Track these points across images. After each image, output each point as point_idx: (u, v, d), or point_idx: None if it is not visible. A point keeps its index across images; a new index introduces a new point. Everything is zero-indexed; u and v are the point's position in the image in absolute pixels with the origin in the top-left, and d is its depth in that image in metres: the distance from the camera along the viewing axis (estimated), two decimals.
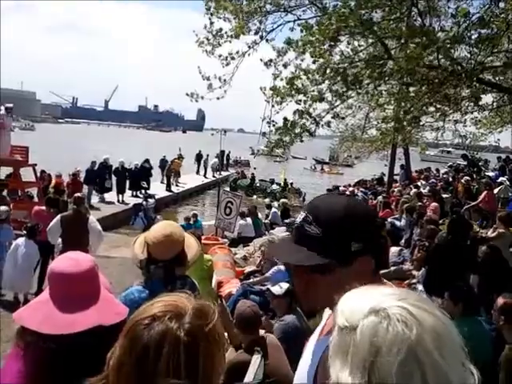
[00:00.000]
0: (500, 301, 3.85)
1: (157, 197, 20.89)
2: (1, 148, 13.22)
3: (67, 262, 1.64)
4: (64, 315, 1.52)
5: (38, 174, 15.53)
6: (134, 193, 20.38)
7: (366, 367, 0.79)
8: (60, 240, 7.56)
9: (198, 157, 31.58)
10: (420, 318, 0.81)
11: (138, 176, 20.44)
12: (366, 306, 0.84)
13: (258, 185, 28.04)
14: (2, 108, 13.60)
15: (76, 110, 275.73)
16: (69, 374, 1.39)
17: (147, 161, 21.48)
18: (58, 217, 7.67)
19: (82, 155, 28.06)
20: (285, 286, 4.73)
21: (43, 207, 8.78)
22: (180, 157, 27.96)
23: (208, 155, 31.95)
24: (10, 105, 14.25)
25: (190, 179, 28.79)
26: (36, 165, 15.66)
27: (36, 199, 13.57)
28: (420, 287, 6.45)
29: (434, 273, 5.97)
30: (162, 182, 24.84)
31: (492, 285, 5.11)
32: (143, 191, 19.82)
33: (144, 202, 12.92)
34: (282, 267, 7.03)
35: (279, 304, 4.75)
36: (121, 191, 19.45)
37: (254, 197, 26.01)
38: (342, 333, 0.84)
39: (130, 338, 1.02)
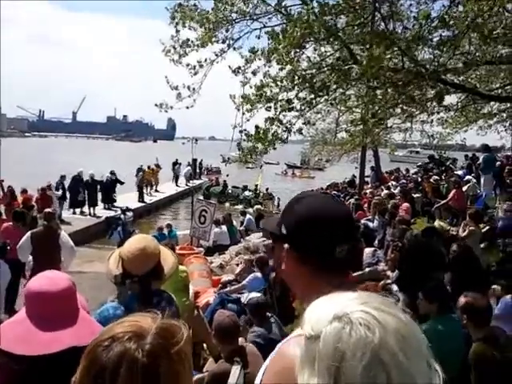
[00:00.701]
0: (462, 300, 3.91)
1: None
2: None
3: (44, 281, 1.63)
4: (40, 336, 1.50)
5: (6, 190, 15.16)
6: (107, 206, 20.10)
7: (332, 373, 0.79)
8: (31, 257, 7.34)
9: (175, 165, 31.58)
10: (383, 321, 0.82)
11: (110, 188, 20.17)
12: (331, 312, 0.85)
13: (230, 192, 28.07)
14: None
15: (43, 123, 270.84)
16: None
17: (112, 173, 20.86)
18: (29, 233, 7.48)
19: (49, 169, 27.56)
20: (256, 295, 4.74)
21: (10, 223, 8.56)
22: (157, 166, 28.08)
23: (180, 164, 31.88)
24: None
25: (166, 188, 28.81)
26: (3, 180, 15.30)
27: (4, 216, 13.19)
28: (395, 287, 6.54)
29: (407, 273, 6.06)
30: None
31: (464, 282, 5.21)
32: (115, 204, 19.57)
33: (122, 216, 12.60)
34: (259, 274, 7.04)
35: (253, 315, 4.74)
36: (93, 204, 19.12)
37: (227, 204, 25.98)
38: (309, 341, 0.85)
39: (89, 360, 1.00)
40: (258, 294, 4.72)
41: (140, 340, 0.98)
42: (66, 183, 18.35)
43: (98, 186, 19.53)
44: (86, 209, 19.03)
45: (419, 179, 18.62)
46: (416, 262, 5.91)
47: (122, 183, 21.03)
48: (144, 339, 0.98)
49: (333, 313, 0.84)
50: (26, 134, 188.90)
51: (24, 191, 15.47)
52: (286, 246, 1.29)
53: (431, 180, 15.39)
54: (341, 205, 1.37)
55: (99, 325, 1.67)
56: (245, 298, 4.79)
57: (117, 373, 0.95)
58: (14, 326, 1.56)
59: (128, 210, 15.53)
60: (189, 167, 32.82)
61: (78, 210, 18.83)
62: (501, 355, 3.51)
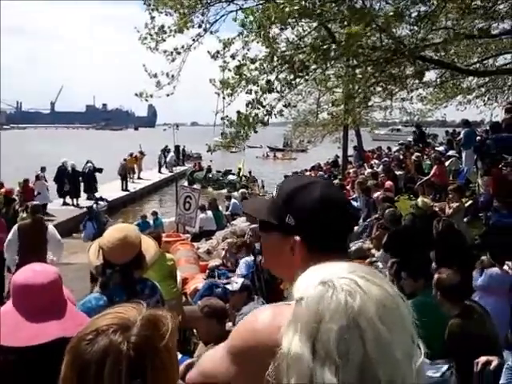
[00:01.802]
0: (435, 277, 3.95)
1: (113, 197, 20.49)
2: None
3: (31, 273, 1.65)
4: (27, 327, 1.53)
5: None
6: (89, 196, 19.90)
7: (311, 334, 0.81)
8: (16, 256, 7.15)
9: (164, 152, 32.05)
10: (366, 289, 0.83)
11: (90, 178, 19.95)
12: (318, 278, 0.86)
13: (214, 177, 28.03)
14: None
15: (21, 115, 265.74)
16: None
17: (89, 162, 20.57)
18: (15, 227, 7.41)
19: (29, 161, 27.16)
20: (240, 280, 4.74)
21: None
22: (141, 153, 28.07)
23: (169, 150, 31.89)
24: None
25: (150, 175, 28.83)
26: None
27: None
28: (380, 265, 6.61)
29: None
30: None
31: (450, 259, 5.25)
32: (97, 194, 19.37)
33: (94, 205, 12.17)
34: (249, 259, 7.05)
35: (237, 300, 4.75)
36: (76, 195, 18.96)
37: (210, 189, 25.91)
38: (296, 305, 0.86)
39: (72, 355, 0.97)
40: (242, 279, 4.74)
41: (125, 332, 0.96)
42: (47, 174, 18.11)
43: (80, 177, 19.35)
44: (68, 199, 18.89)
45: (401, 157, 18.72)
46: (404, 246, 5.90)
47: (100, 171, 20.74)
48: (129, 331, 0.96)
49: (320, 278, 0.86)
50: (4, 127, 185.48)
51: (1, 185, 15.16)
52: (297, 238, 1.20)
53: (413, 157, 15.49)
54: (339, 190, 1.38)
55: (86, 316, 1.68)
56: (232, 286, 4.82)
57: (102, 367, 0.93)
58: (1, 318, 1.57)
59: (101, 199, 15.03)
60: (172, 154, 32.71)
61: (61, 201, 18.67)
62: (476, 330, 3.55)
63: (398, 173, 14.63)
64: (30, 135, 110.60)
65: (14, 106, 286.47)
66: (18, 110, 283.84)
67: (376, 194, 10.20)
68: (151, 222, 12.75)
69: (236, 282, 4.73)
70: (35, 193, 15.88)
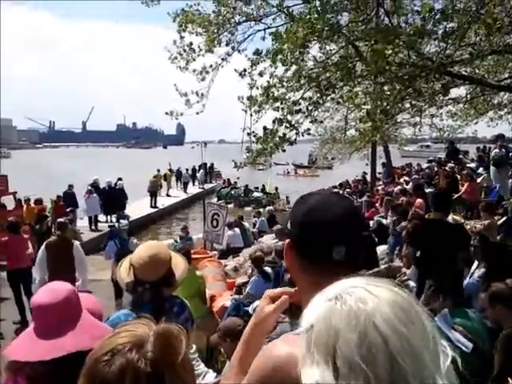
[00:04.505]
0: (491, 290, 3.94)
1: (142, 214, 20.75)
2: None
3: (45, 293, 1.79)
4: (40, 344, 1.67)
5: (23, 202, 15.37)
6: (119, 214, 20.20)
7: (331, 353, 0.76)
8: (39, 277, 7.19)
9: (194, 171, 33.38)
10: (376, 293, 0.80)
11: (121, 196, 20.25)
12: (323, 299, 0.84)
13: (241, 194, 28.12)
14: None
15: (54, 134, 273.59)
16: None
17: (120, 179, 21.19)
18: (43, 245, 7.55)
19: (60, 179, 27.83)
20: (255, 304, 4.74)
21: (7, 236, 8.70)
22: (170, 171, 28.64)
23: (187, 169, 32.38)
24: None
25: (178, 193, 29.33)
26: (16, 192, 15.48)
27: None
28: (412, 284, 6.47)
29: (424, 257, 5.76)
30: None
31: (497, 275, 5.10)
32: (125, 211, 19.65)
33: (116, 224, 12.31)
34: (256, 277, 6.99)
35: None
36: (109, 212, 19.23)
37: (231, 205, 26.00)
38: (307, 334, 0.82)
39: (89, 377, 0.97)
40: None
41: (140, 349, 0.96)
42: (77, 191, 18.47)
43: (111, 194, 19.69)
44: (101, 217, 19.14)
45: (432, 173, 18.41)
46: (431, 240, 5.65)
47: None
48: (144, 348, 0.96)
49: (325, 298, 0.83)
50: (37, 146, 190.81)
51: (38, 201, 15.63)
52: (287, 240, 1.31)
53: (447, 168, 15.19)
54: (345, 204, 1.31)
55: (102, 329, 1.78)
56: (251, 308, 4.83)
57: None
58: (23, 336, 1.76)
59: (123, 217, 15.13)
60: (202, 171, 33.24)
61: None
62: None
63: (427, 190, 14.38)
64: (62, 153, 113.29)
65: (47, 125, 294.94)
66: (50, 129, 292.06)
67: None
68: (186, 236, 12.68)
69: (252, 307, 4.76)
70: (69, 209, 16.28)
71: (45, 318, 1.73)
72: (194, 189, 31.51)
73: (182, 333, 1.02)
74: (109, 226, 13.57)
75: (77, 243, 7.71)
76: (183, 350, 0.98)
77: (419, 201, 12.05)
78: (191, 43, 7.34)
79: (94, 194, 18.35)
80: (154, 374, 0.94)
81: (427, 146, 51.17)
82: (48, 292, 1.80)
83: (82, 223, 17.99)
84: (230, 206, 25.54)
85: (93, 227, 18.01)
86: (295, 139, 7.02)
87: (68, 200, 17.09)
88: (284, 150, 7.19)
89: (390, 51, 5.77)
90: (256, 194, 27.56)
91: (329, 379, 0.75)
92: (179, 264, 2.61)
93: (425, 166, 24.98)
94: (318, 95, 6.68)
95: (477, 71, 8.72)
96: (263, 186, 28.74)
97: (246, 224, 14.71)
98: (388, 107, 7.89)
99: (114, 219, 18.29)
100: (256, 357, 1.14)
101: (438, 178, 16.45)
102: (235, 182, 29.52)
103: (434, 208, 6.07)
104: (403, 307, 0.79)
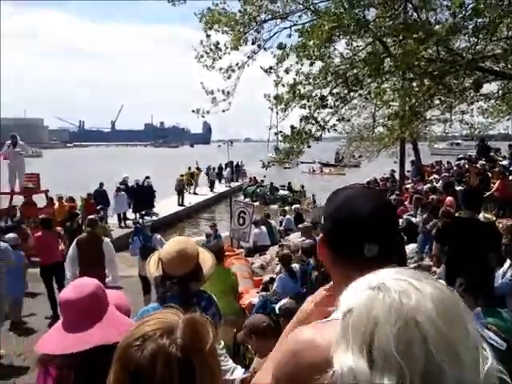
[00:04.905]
0: None
1: (170, 212, 20.97)
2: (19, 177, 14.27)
3: (72, 289, 1.87)
4: (70, 337, 1.74)
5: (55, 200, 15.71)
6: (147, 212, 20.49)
7: (367, 342, 0.76)
8: (70, 274, 7.43)
9: (220, 169, 33.94)
10: (419, 287, 0.79)
11: (149, 194, 20.54)
12: (365, 285, 0.83)
13: (266, 192, 28.14)
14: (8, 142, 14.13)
15: (84, 134, 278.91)
16: None
17: (148, 177, 21.69)
18: (74, 242, 7.72)
19: (90, 177, 28.46)
20: (283, 302, 4.75)
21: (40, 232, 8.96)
22: (198, 169, 28.88)
23: (214, 168, 32.60)
24: (14, 134, 14.75)
25: (206, 190, 29.53)
26: (48, 191, 15.83)
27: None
28: (441, 282, 6.35)
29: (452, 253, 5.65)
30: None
31: None
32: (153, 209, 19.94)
33: (140, 221, 12.52)
34: (283, 275, 6.99)
35: (284, 325, 4.74)
36: (137, 210, 19.26)
37: (257, 203, 26.03)
38: (344, 318, 0.82)
39: (122, 362, 1.01)
40: (289, 300, 4.72)
41: (170, 335, 0.99)
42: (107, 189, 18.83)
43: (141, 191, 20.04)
44: (130, 214, 19.39)
45: (463, 170, 18.06)
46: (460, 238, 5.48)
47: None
48: (174, 334, 1.00)
49: (367, 285, 0.83)
50: (68, 145, 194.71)
51: (70, 199, 15.99)
52: (321, 235, 1.31)
53: (478, 166, 14.88)
54: (378, 200, 1.29)
55: (128, 323, 1.81)
56: (278, 306, 4.83)
57: (153, 370, 0.96)
58: (52, 331, 1.84)
59: (148, 214, 15.33)
60: (228, 169, 33.42)
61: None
62: None
63: (458, 188, 14.11)
64: (92, 152, 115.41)
65: (77, 124, 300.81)
66: (80, 128, 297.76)
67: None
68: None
69: (279, 306, 4.76)
70: (99, 207, 16.59)
71: (72, 312, 1.80)
72: (220, 187, 31.67)
73: (210, 323, 1.05)
74: (134, 223, 13.80)
75: (107, 240, 7.84)
76: (211, 339, 1.01)
77: (449, 199, 11.84)
78: (218, 42, 7.37)
79: (122, 192, 18.75)
80: (183, 360, 0.97)
81: (457, 144, 50.09)
82: (75, 287, 1.87)
83: (113, 220, 18.31)
84: (256, 203, 25.66)
85: (122, 224, 18.31)
86: (320, 135, 6.99)
87: (99, 198, 17.36)
88: (309, 146, 7.16)
89: (424, 47, 5.68)
90: (282, 192, 27.55)
91: (363, 367, 0.75)
92: (207, 260, 2.65)
93: (455, 163, 24.52)
94: (346, 91, 6.63)
95: (509, 66, 8.51)
96: (289, 183, 28.72)
97: (273, 222, 14.72)
98: (417, 104, 7.77)
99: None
100: (281, 348, 1.16)
101: (468, 176, 16.15)
102: (262, 180, 29.57)
103: (465, 206, 5.96)
104: (446, 304, 0.78)
